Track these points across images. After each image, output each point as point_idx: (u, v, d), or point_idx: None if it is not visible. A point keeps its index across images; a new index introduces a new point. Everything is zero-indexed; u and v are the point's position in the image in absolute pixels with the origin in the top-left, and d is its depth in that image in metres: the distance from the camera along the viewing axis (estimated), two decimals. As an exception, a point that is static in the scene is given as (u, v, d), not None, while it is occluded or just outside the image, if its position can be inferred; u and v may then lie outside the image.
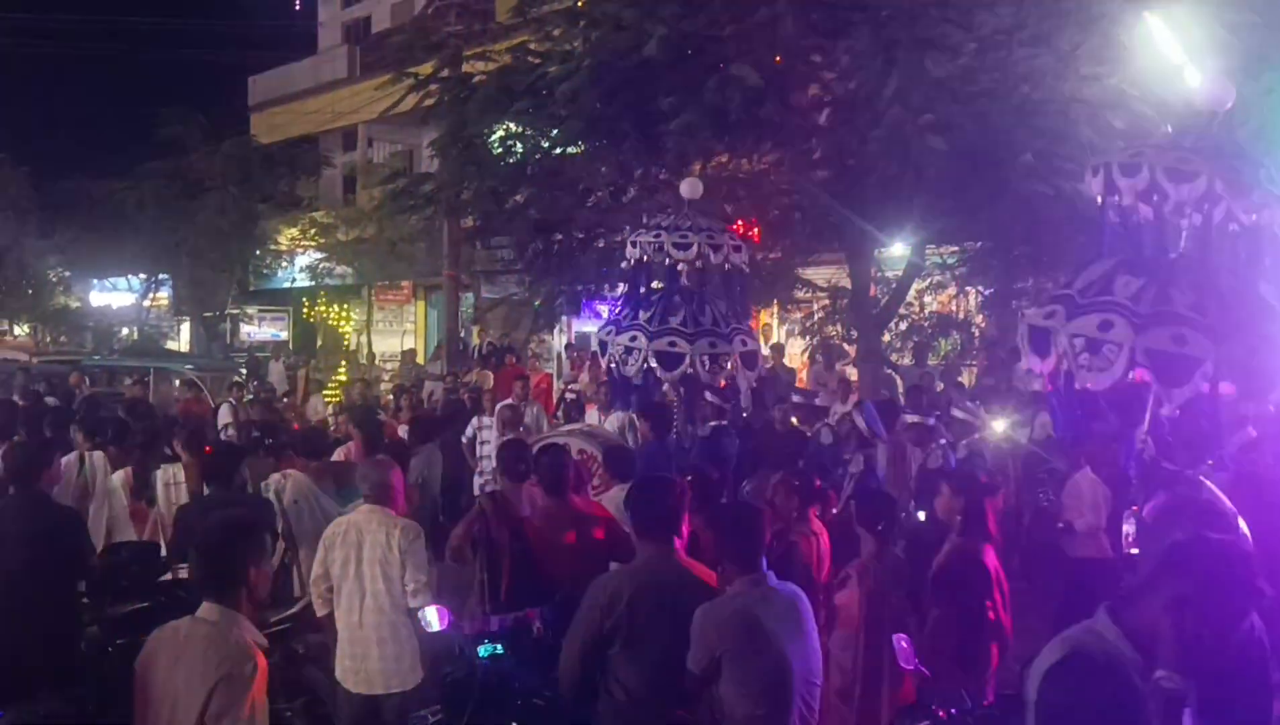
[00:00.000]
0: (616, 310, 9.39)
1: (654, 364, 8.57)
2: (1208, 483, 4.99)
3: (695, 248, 8.63)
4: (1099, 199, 5.81)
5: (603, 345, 8.94)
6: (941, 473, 6.88)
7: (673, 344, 8.54)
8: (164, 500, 7.71)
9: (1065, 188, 8.89)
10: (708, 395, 8.98)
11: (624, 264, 9.32)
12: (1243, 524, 3.04)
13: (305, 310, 28.35)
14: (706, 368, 8.56)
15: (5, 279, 30.35)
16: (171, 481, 7.99)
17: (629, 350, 8.67)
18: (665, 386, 9.05)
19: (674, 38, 8.93)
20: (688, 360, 8.44)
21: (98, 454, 8.33)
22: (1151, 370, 5.26)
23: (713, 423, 8.90)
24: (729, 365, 8.65)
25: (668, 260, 8.74)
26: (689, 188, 8.98)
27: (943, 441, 8.53)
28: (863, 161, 9.52)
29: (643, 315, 8.76)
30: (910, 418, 8.95)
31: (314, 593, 5.64)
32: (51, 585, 5.72)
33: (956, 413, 8.61)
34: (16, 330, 32.17)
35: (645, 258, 8.84)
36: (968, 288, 13.45)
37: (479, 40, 13.62)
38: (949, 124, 8.50)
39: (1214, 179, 5.25)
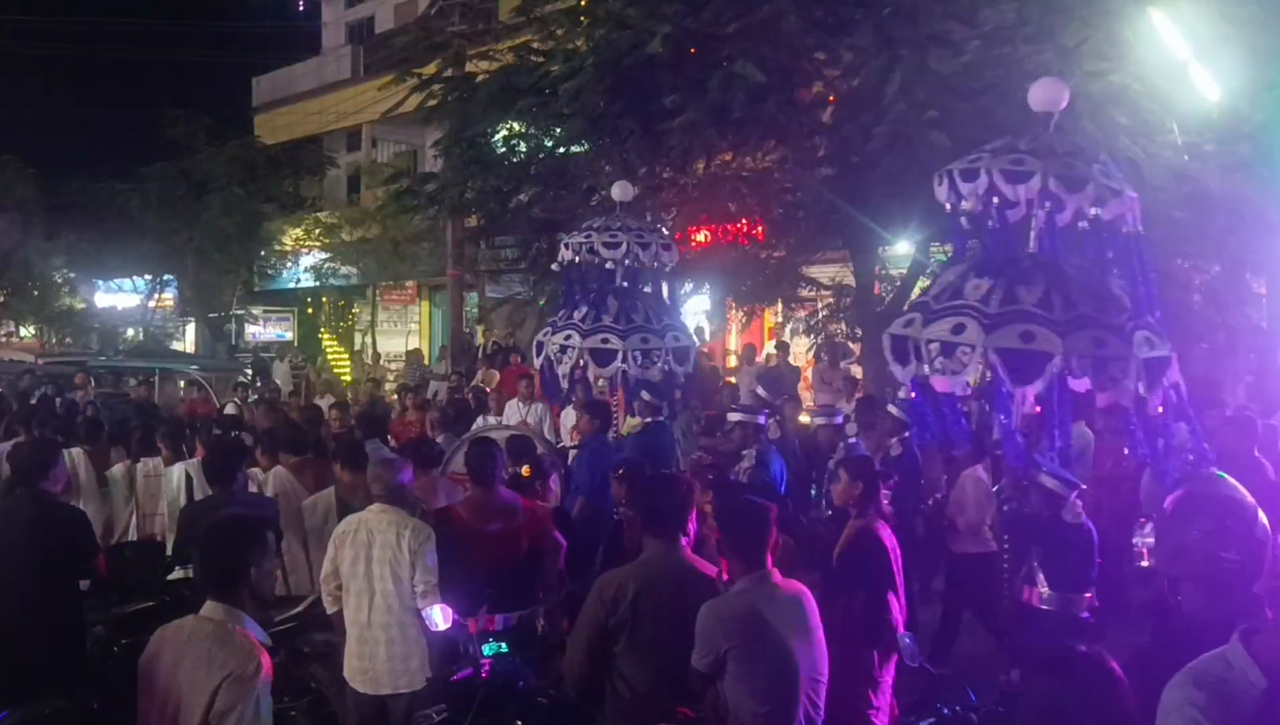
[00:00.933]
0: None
1: (587, 361, 8.84)
2: (1229, 479, 5.01)
3: (624, 246, 8.91)
4: (947, 206, 5.98)
5: (539, 347, 9.21)
6: (843, 461, 7.04)
7: (605, 341, 8.80)
8: (144, 492, 7.96)
9: (1069, 184, 8.87)
10: (644, 393, 9.12)
11: (554, 266, 9.60)
12: (1263, 517, 3.04)
13: (324, 307, 28.33)
14: (639, 363, 8.76)
15: (11, 280, 30.43)
16: (152, 473, 8.11)
17: (564, 349, 8.95)
18: (601, 382, 9.35)
19: (677, 35, 8.91)
20: (620, 356, 8.68)
21: (75, 451, 8.42)
22: (1002, 368, 5.45)
23: (648, 418, 9.07)
24: (660, 361, 8.84)
25: (598, 259, 9.01)
26: (620, 191, 9.30)
27: (906, 434, 8.53)
28: (866, 159, 9.49)
29: (576, 315, 9.03)
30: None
31: (323, 591, 5.64)
32: (57, 584, 5.73)
33: (891, 409, 8.62)
34: (23, 332, 32.28)
35: (576, 259, 9.10)
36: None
37: (482, 40, 13.64)
38: (953, 120, 8.48)
39: (1048, 176, 5.48)
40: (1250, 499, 3.07)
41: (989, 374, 5.63)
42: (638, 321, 8.97)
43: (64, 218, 29.40)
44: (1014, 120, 8.64)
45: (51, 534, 5.75)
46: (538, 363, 9.38)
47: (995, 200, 5.73)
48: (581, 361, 8.96)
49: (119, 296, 32.30)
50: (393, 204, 14.07)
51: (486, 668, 4.49)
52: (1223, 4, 8.16)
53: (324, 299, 28.56)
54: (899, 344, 5.90)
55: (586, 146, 11.14)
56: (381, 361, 26.37)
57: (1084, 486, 6.45)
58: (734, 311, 18.36)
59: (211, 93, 36.09)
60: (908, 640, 4.56)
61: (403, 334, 28.48)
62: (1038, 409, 6.12)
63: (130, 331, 30.81)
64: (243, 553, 3.55)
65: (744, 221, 13.25)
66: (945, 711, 4.22)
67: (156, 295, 31.07)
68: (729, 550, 4.14)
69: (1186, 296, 10.38)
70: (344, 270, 26.37)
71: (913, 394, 6.14)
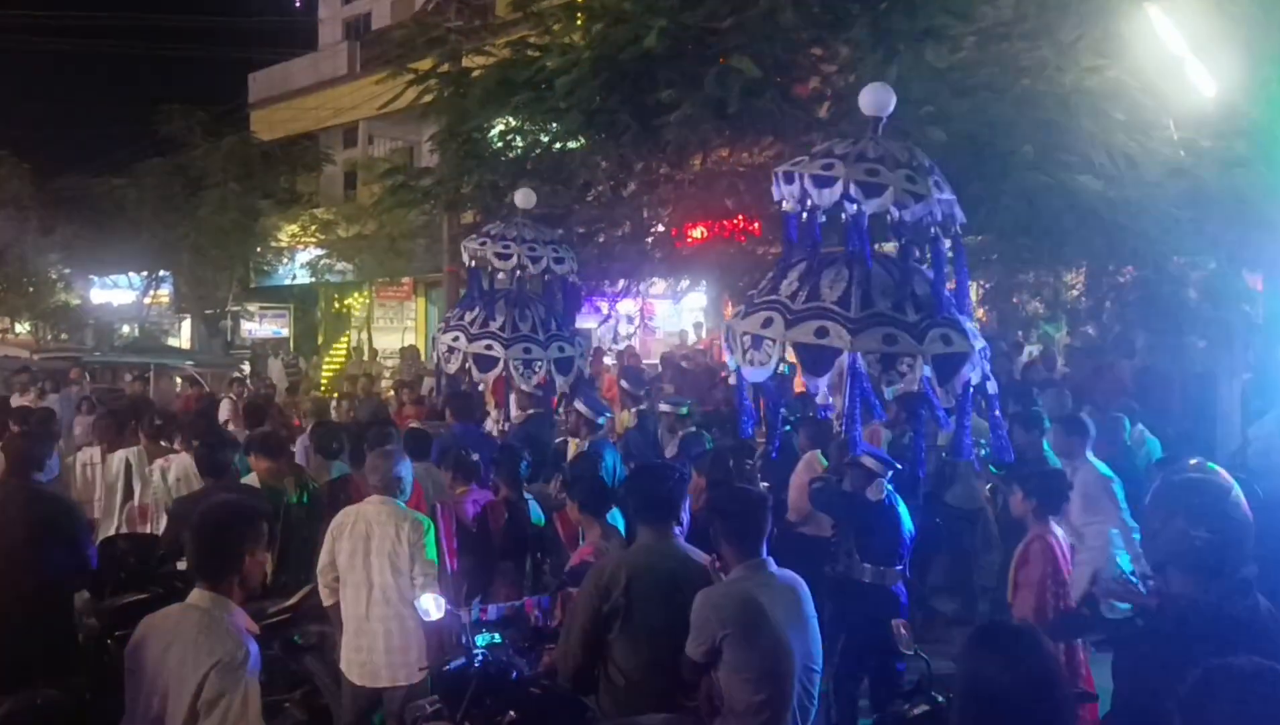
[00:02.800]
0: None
1: (470, 365, 9.15)
2: (1221, 470, 5.04)
3: (515, 258, 9.26)
4: (783, 204, 6.42)
5: (434, 342, 9.50)
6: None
7: (489, 347, 9.08)
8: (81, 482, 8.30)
9: (1065, 180, 8.86)
10: (523, 387, 9.41)
11: (461, 269, 9.97)
12: (1241, 497, 3.04)
13: (333, 303, 28.27)
14: (520, 372, 9.05)
15: (6, 276, 30.38)
16: (89, 463, 8.18)
17: (451, 349, 9.27)
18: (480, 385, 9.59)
19: (673, 30, 8.89)
20: (501, 364, 8.99)
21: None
22: (799, 361, 5.92)
23: (530, 411, 9.38)
24: (541, 370, 9.11)
25: (490, 266, 9.35)
26: (522, 197, 9.65)
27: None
28: (862, 155, 9.48)
29: (468, 317, 9.29)
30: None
31: (320, 582, 5.63)
32: (49, 576, 5.72)
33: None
34: (18, 327, 32.22)
35: (473, 262, 9.42)
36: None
37: (478, 35, 13.60)
38: (949, 116, 8.46)
39: (849, 182, 5.92)
40: (1228, 481, 3.08)
41: (785, 366, 6.10)
42: (524, 331, 9.22)
43: (59, 213, 29.36)
44: (1009, 116, 8.69)
45: (44, 526, 5.74)
46: (431, 358, 9.71)
47: (808, 202, 6.17)
48: (466, 364, 9.22)
49: (114, 292, 32.28)
50: (389, 199, 14.03)
51: (479, 658, 4.47)
52: (1219, 0, 8.17)
53: (320, 296, 28.52)
54: (729, 337, 6.36)
55: (583, 141, 11.11)
56: (378, 358, 26.35)
57: (899, 466, 6.77)
58: (730, 308, 18.35)
59: (208, 88, 36.04)
60: (902, 630, 4.56)
61: (399, 330, 28.46)
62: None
63: (125, 328, 30.78)
64: (237, 539, 3.53)
65: (740, 217, 13.22)
66: (938, 699, 4.22)
67: (152, 291, 31.04)
68: (724, 538, 4.14)
69: (1183, 292, 10.38)
70: (340, 266, 26.34)
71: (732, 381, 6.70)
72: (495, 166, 11.78)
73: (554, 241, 9.86)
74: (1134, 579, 5.88)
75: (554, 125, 11.02)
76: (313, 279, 27.18)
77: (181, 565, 5.99)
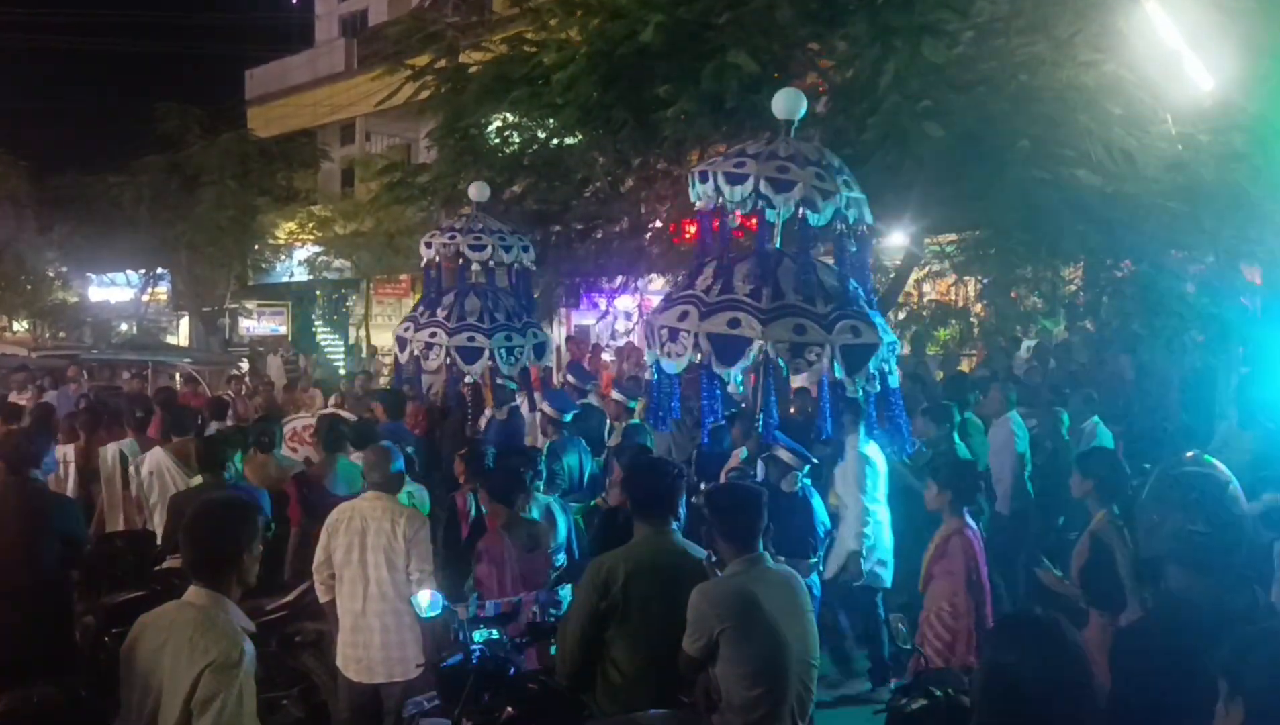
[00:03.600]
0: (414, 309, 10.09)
1: (455, 357, 9.25)
2: (1218, 463, 5.05)
3: (489, 249, 9.50)
4: (699, 202, 6.68)
5: (401, 342, 9.55)
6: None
7: (471, 338, 9.23)
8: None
9: (1063, 175, 8.85)
10: (498, 380, 9.72)
11: (422, 264, 10.02)
12: (1239, 493, 3.04)
13: (318, 301, 28.25)
14: (505, 359, 9.24)
15: (3, 274, 30.36)
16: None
17: (429, 346, 9.37)
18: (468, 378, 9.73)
19: (670, 25, 8.87)
20: (487, 353, 9.13)
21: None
22: (712, 351, 6.21)
23: (509, 405, 9.62)
24: (523, 357, 9.36)
25: (462, 260, 9.54)
26: (476, 191, 9.87)
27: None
28: (860, 150, 9.46)
29: (440, 312, 9.41)
30: None
31: (316, 579, 5.63)
32: (46, 573, 5.72)
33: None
34: (15, 325, 32.20)
35: (438, 258, 9.60)
36: (966, 276, 13.42)
37: (475, 31, 13.56)
38: (946, 111, 8.45)
39: (759, 180, 6.21)
40: (1226, 475, 3.07)
41: (700, 357, 6.36)
42: (501, 320, 9.41)
43: (57, 211, 29.33)
44: (1007, 111, 8.68)
45: (41, 523, 5.74)
46: (401, 358, 9.75)
47: (721, 199, 6.46)
48: (448, 359, 9.34)
49: (112, 290, 32.25)
50: (386, 196, 14.00)
51: (477, 654, 4.47)
52: (1216, -7, 8.15)
53: (318, 293, 28.50)
54: (648, 331, 6.67)
55: (580, 137, 11.09)
56: (376, 355, 26.33)
57: (815, 461, 7.04)
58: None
59: (205, 86, 35.90)
60: (900, 625, 4.55)
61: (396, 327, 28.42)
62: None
63: (123, 325, 30.75)
64: (234, 536, 3.51)
65: (737, 213, 13.20)
66: (937, 694, 4.22)
67: (150, 289, 31.01)
68: (720, 534, 4.14)
69: (1180, 287, 10.37)
70: (338, 264, 26.30)
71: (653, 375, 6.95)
72: (492, 163, 11.75)
73: (517, 232, 10.11)
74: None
75: (551, 121, 10.99)
76: (310, 276, 27.14)
77: (178, 562, 6.02)
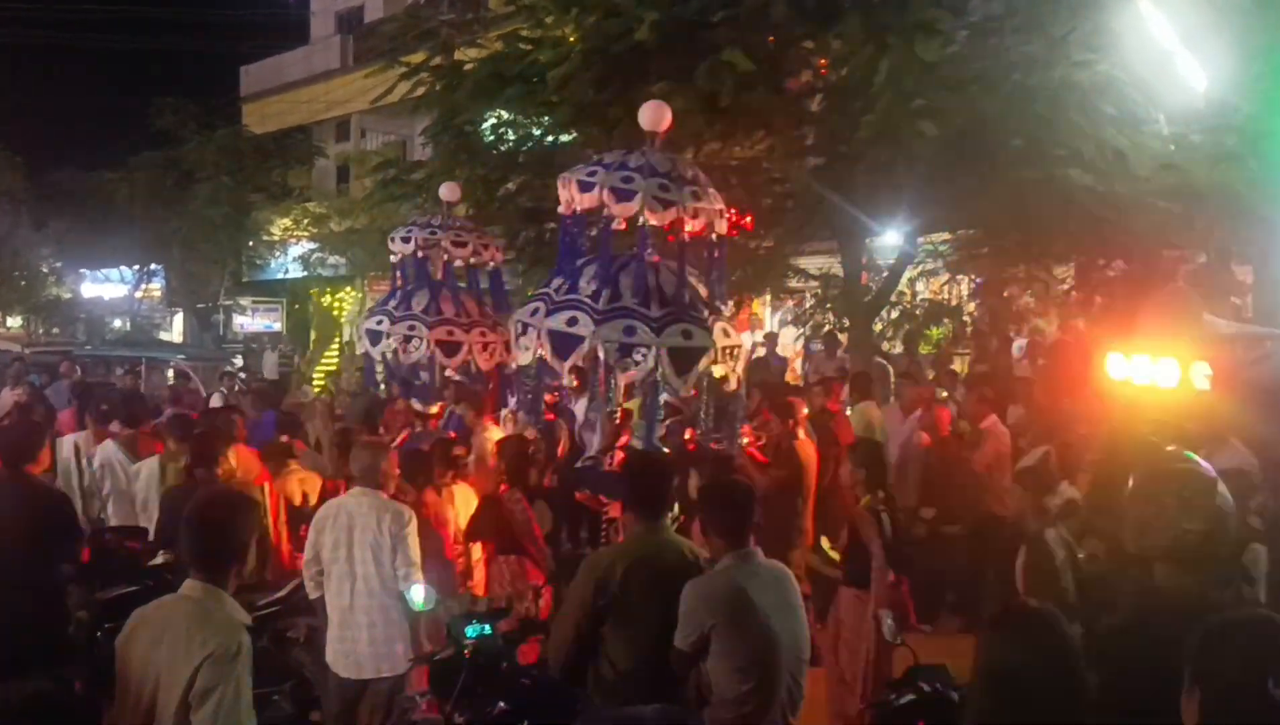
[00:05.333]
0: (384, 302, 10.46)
1: (436, 351, 9.64)
2: (1199, 459, 5.10)
3: (470, 246, 9.91)
4: (562, 206, 7.30)
5: (375, 335, 9.87)
6: None
7: (412, 327, 9.64)
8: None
9: (1056, 174, 8.89)
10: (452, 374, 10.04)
11: (392, 259, 10.52)
12: (1223, 487, 3.06)
13: (313, 298, 28.21)
14: (480, 354, 9.63)
15: (-1, 270, 30.33)
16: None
17: (408, 338, 9.78)
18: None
19: (665, 23, 8.90)
20: (466, 347, 9.55)
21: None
22: (551, 347, 6.77)
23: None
24: (497, 352, 9.65)
25: (420, 255, 9.96)
26: (448, 191, 10.43)
27: None
28: (854, 149, 9.50)
29: (415, 306, 9.85)
30: None
31: (305, 575, 5.63)
32: (40, 567, 5.72)
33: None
34: (9, 321, 32.13)
35: (417, 252, 10.03)
36: (959, 275, 13.47)
37: (470, 29, 13.57)
38: (940, 110, 8.48)
39: (603, 189, 6.90)
40: (1210, 470, 3.09)
41: (540, 352, 6.95)
42: (447, 313, 9.75)
43: (52, 207, 29.29)
44: (1000, 110, 8.72)
45: (36, 516, 5.74)
46: (374, 351, 10.09)
47: (573, 206, 7.11)
48: (430, 351, 9.67)
49: (106, 287, 32.20)
50: (381, 193, 14.01)
51: (469, 649, 4.48)
52: (1209, -7, 8.19)
53: (312, 290, 28.45)
54: (520, 329, 7.12)
55: (574, 135, 11.11)
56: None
57: (665, 451, 7.29)
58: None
59: (200, 82, 35.84)
60: (889, 620, 4.58)
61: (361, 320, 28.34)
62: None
63: (117, 322, 30.70)
64: (236, 529, 3.52)
65: (733, 211, 13.21)
66: (926, 689, 4.24)
67: (143, 285, 30.96)
68: (712, 529, 4.16)
69: (1169, 285, 10.42)
70: (332, 260, 26.26)
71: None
72: (487, 160, 11.77)
73: (478, 230, 10.56)
74: None
75: (546, 119, 11.02)
76: (305, 273, 27.11)
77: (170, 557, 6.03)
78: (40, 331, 30.27)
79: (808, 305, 15.52)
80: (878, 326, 12.59)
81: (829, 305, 14.50)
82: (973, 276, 12.94)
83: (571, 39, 10.08)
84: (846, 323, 12.84)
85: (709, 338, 6.85)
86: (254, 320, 29.63)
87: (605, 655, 4.19)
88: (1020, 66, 8.74)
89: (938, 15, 8.49)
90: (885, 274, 12.25)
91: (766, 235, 13.41)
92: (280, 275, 28.52)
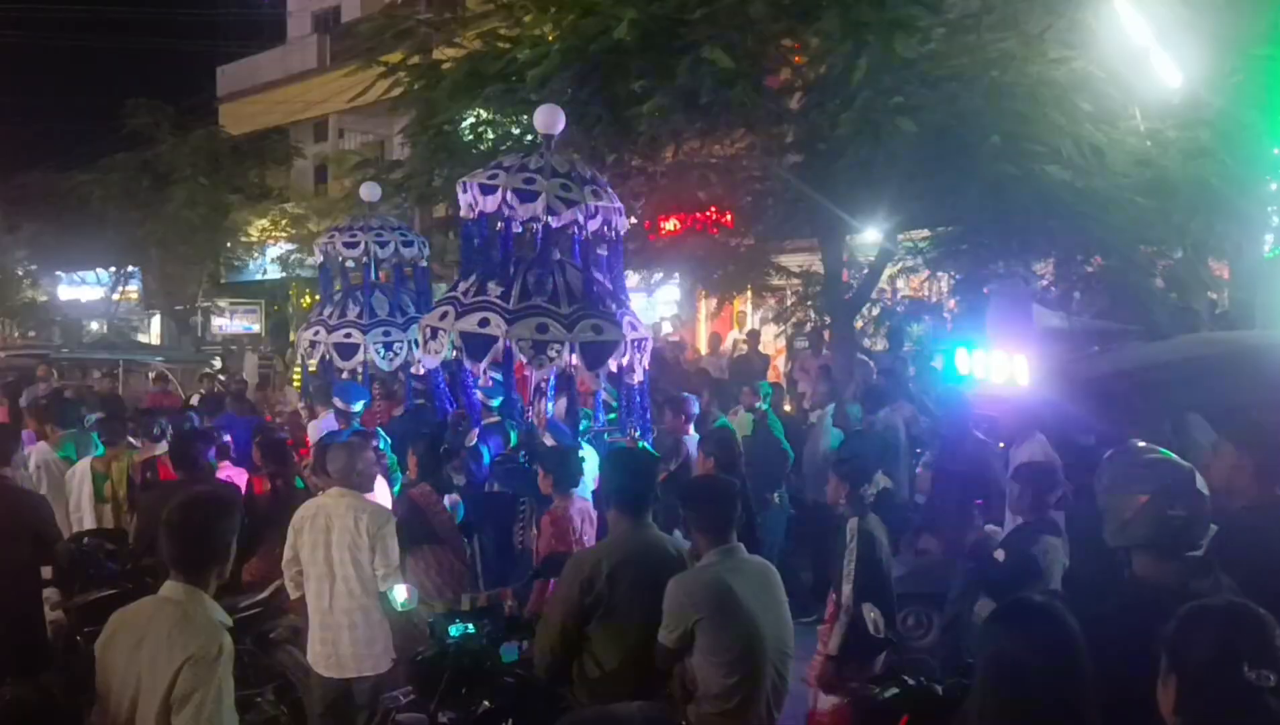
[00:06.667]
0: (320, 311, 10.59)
1: (332, 355, 9.86)
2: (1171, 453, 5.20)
3: (362, 246, 10.00)
4: (463, 210, 7.49)
5: (314, 346, 10.08)
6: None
7: (348, 335, 9.79)
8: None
9: (1033, 170, 8.93)
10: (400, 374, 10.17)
11: (330, 266, 10.65)
12: (1199, 476, 3.10)
13: (291, 299, 28.10)
14: (381, 355, 9.81)
15: (-29, 274, 30.06)
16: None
17: (313, 343, 10.02)
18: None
19: (644, 21, 8.89)
20: (361, 349, 9.71)
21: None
22: (463, 349, 7.03)
23: (418, 402, 9.85)
24: (402, 353, 9.83)
25: (340, 258, 10.13)
26: (367, 191, 10.70)
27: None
28: (834, 145, 9.52)
29: (326, 311, 10.08)
30: None
31: (285, 576, 5.62)
32: (17, 571, 5.67)
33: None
34: (-17, 325, 31.87)
35: (341, 258, 10.18)
36: (939, 272, 13.51)
37: (449, 28, 13.51)
38: (918, 107, 8.51)
39: (506, 191, 7.09)
40: (1188, 463, 3.13)
41: (456, 352, 7.18)
42: (380, 315, 9.91)
43: (24, 209, 29.00)
44: (978, 107, 8.75)
45: (13, 519, 5.69)
46: (310, 362, 10.30)
47: (476, 209, 7.34)
48: (327, 356, 9.84)
49: (82, 289, 31.93)
50: (358, 191, 13.96)
51: (454, 648, 4.47)
52: (1184, -9, 8.26)
53: (291, 291, 28.31)
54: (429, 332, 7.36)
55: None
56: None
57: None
58: (704, 300, 18.37)
59: (175, 82, 35.59)
60: (871, 614, 4.59)
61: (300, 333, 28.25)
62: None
63: (94, 324, 30.46)
64: (218, 530, 3.49)
65: (713, 209, 13.24)
66: (909, 682, 4.25)
67: (120, 288, 30.72)
68: (695, 525, 4.16)
69: (1149, 281, 10.50)
70: (311, 261, 26.13)
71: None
72: (466, 159, 11.72)
73: (401, 228, 10.60)
74: None
75: (525, 117, 10.97)
76: (284, 274, 26.97)
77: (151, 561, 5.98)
78: (15, 334, 30.01)
79: (789, 303, 15.53)
80: (859, 323, 12.62)
81: (810, 302, 14.52)
82: (952, 273, 12.98)
83: (550, 37, 10.06)
84: (828, 320, 12.86)
85: (619, 331, 7.08)
86: (232, 322, 29.42)
87: (591, 653, 4.18)
88: (998, 63, 8.79)
89: (915, 12, 8.52)
90: (866, 271, 12.27)
91: (747, 233, 13.45)
92: (259, 276, 28.37)
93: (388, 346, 9.78)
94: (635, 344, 7.29)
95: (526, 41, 10.16)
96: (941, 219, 11.55)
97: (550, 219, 7.16)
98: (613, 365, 7.22)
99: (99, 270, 30.51)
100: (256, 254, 27.93)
